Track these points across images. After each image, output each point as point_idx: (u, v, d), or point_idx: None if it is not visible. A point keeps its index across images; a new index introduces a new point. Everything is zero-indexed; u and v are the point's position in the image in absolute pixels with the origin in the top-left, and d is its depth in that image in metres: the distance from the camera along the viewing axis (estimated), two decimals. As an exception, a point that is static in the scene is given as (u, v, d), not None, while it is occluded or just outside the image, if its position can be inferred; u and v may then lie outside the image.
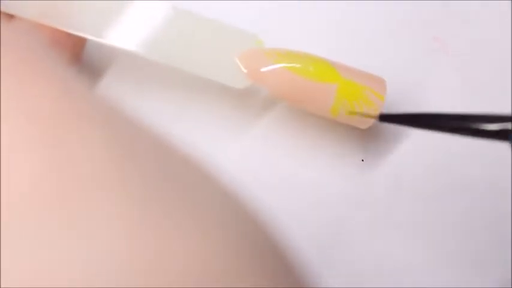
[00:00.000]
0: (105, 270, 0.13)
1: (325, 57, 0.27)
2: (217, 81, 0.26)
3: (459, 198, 0.29)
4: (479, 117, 0.21)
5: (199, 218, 0.15)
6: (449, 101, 0.30)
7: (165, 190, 0.15)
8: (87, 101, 0.15)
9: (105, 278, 0.13)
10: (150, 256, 0.13)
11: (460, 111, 0.22)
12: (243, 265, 0.15)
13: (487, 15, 0.31)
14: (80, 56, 0.27)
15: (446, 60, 0.31)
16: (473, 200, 0.29)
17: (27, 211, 0.13)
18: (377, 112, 0.26)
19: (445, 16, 0.31)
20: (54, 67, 0.16)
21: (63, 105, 0.15)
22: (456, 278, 0.28)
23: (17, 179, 0.13)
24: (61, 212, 0.13)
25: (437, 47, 0.31)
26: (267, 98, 0.29)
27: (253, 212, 0.16)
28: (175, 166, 0.16)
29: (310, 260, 0.17)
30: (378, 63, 0.28)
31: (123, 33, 0.26)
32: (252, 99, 0.29)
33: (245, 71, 0.26)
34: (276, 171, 0.29)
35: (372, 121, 0.27)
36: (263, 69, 0.26)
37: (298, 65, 0.26)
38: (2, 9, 0.25)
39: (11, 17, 0.25)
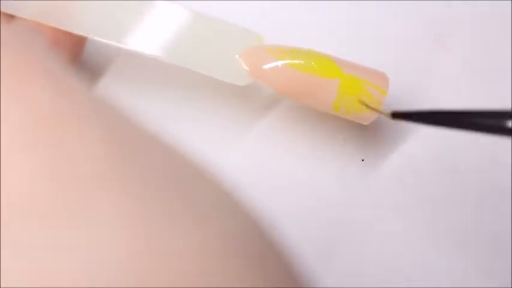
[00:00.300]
0: (105, 270, 0.13)
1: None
2: (219, 78, 0.26)
3: (459, 199, 0.29)
4: (494, 113, 0.21)
5: (199, 217, 0.15)
6: (451, 100, 0.30)
7: (165, 190, 0.15)
8: (87, 101, 0.15)
9: (105, 277, 0.13)
10: (150, 256, 0.13)
11: (473, 108, 0.22)
12: (243, 265, 0.15)
13: (488, 15, 0.32)
14: (79, 56, 0.27)
15: (448, 59, 0.31)
16: (474, 200, 0.29)
17: (27, 211, 0.13)
18: (380, 107, 0.26)
19: (446, 16, 0.31)
20: (54, 67, 0.16)
21: (63, 105, 0.15)
22: (456, 278, 0.28)
23: (17, 179, 0.13)
24: (61, 212, 0.13)
25: (439, 47, 0.31)
26: (268, 97, 0.29)
27: (254, 212, 0.16)
28: (175, 166, 0.16)
29: (310, 260, 0.17)
30: (379, 62, 0.28)
31: (124, 32, 0.26)
32: (253, 99, 0.29)
33: (247, 68, 0.26)
34: (276, 171, 0.29)
35: (375, 117, 0.27)
36: (265, 66, 0.26)
37: (300, 62, 0.26)
38: (2, 9, 0.25)
39: (11, 17, 0.25)
